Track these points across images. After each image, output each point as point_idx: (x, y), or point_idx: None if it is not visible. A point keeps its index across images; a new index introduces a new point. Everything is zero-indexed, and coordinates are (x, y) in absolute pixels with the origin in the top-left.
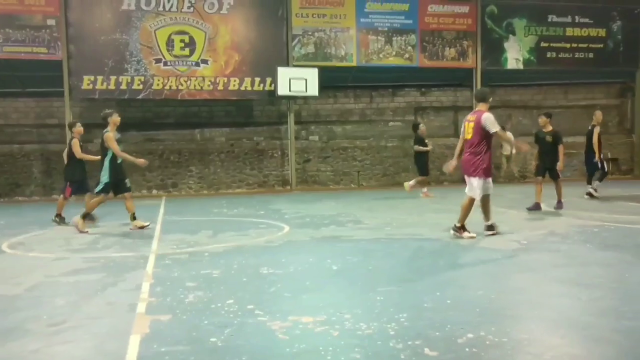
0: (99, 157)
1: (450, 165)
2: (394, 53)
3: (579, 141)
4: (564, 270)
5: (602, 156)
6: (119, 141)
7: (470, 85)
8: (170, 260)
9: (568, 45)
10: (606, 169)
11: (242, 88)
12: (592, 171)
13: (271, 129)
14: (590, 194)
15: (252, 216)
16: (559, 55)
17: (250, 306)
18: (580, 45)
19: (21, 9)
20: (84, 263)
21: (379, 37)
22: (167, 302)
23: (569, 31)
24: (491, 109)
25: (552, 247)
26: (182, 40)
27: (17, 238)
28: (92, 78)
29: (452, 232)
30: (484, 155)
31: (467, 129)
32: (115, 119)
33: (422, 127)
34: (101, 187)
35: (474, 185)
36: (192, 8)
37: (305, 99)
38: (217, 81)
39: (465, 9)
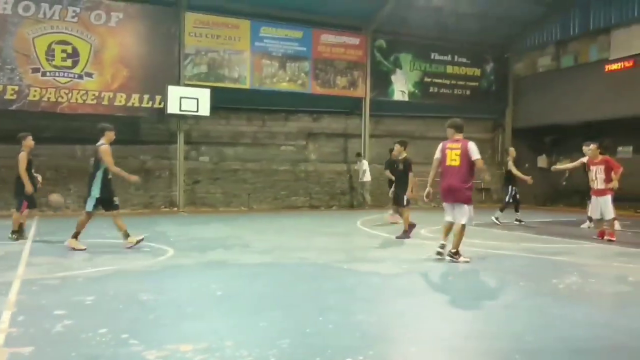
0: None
1: (430, 193)
2: (287, 78)
3: None
4: (440, 294)
5: (513, 188)
6: None
7: (360, 114)
8: (38, 286)
9: (448, 82)
10: (511, 200)
11: (130, 104)
12: (516, 201)
13: (159, 148)
14: (519, 220)
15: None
16: (441, 91)
17: (124, 335)
18: (459, 82)
19: None
20: None
21: (273, 62)
22: (30, 332)
23: (450, 69)
24: (376, 137)
25: (431, 271)
26: (64, 51)
27: None
28: None
29: (447, 258)
30: (471, 183)
31: (451, 156)
32: (110, 134)
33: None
34: (93, 202)
35: (466, 211)
36: (76, 18)
37: (197, 118)
38: (102, 96)
39: (356, 40)
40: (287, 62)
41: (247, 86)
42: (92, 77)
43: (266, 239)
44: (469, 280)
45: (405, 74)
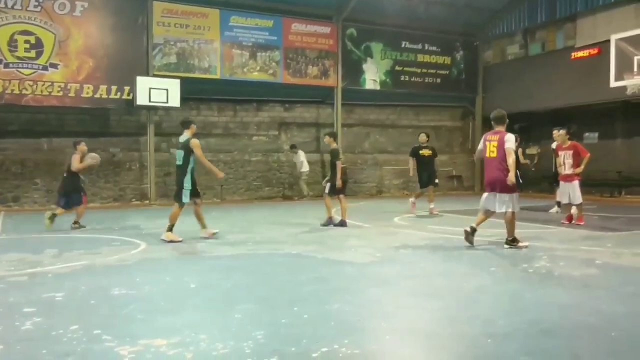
0: None
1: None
2: (258, 68)
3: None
4: (413, 281)
5: None
6: None
7: (332, 103)
8: (5, 283)
9: (419, 70)
10: None
11: (97, 96)
12: None
13: (129, 140)
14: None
15: (105, 232)
16: (412, 79)
17: (97, 331)
18: (429, 70)
19: None
20: None
21: (244, 52)
22: None
23: (420, 57)
24: (348, 126)
25: (405, 259)
26: (27, 41)
27: None
28: None
29: (506, 246)
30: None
31: (490, 147)
32: (194, 127)
33: (421, 136)
34: (187, 194)
35: (512, 199)
36: (39, 7)
37: (167, 110)
38: (69, 87)
39: (326, 29)
40: (257, 51)
41: (217, 76)
42: (57, 69)
43: (239, 230)
44: (441, 267)
45: (376, 63)
